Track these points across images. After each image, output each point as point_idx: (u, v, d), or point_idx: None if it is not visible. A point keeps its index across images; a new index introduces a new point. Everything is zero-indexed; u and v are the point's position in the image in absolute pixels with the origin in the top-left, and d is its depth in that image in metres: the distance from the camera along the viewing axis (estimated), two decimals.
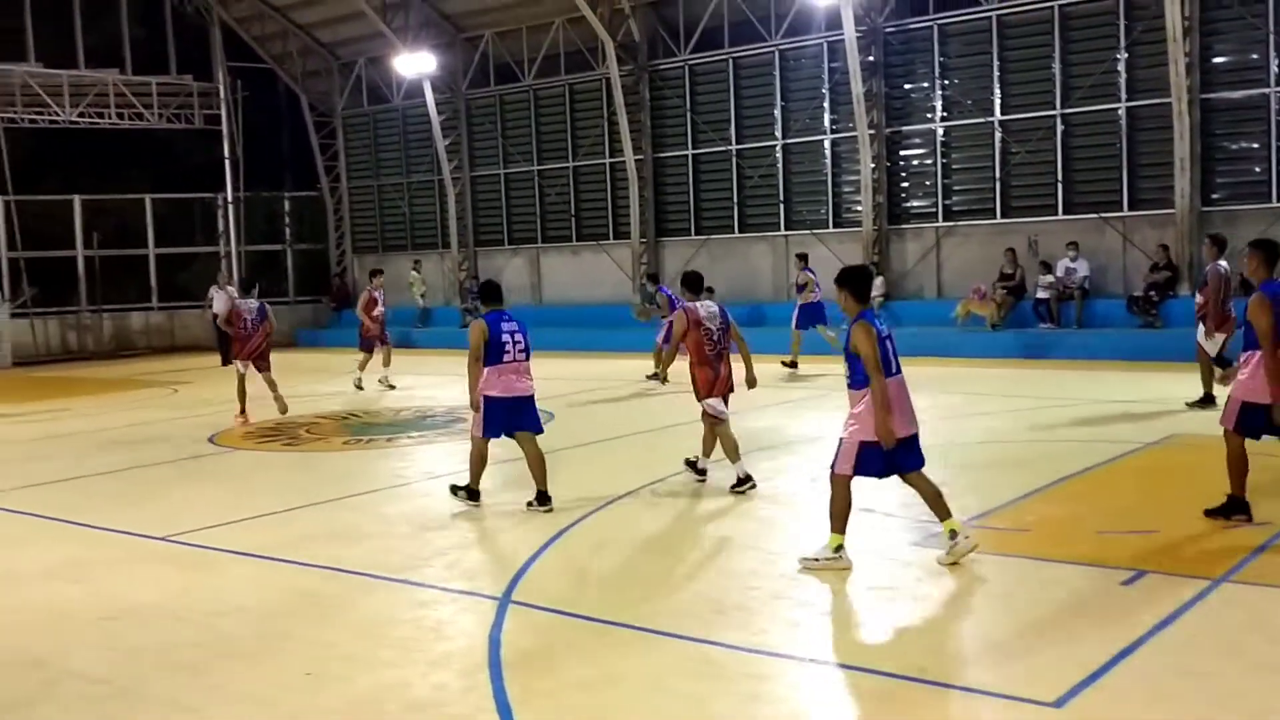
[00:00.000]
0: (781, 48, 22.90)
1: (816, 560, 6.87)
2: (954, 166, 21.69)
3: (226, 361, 21.14)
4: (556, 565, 7.41)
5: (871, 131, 21.47)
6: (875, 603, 6.42)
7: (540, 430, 9.00)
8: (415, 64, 26.12)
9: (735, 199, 24.01)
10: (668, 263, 24.97)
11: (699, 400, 9.50)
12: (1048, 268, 19.95)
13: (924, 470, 6.97)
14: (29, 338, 26.79)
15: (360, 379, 18.14)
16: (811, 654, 5.66)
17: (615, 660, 5.62)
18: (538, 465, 8.88)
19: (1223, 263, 12.21)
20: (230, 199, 29.35)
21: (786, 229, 23.39)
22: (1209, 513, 7.62)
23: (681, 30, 24.05)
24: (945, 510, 6.93)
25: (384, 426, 14.27)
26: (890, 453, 6.70)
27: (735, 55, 23.55)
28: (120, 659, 5.93)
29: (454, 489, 9.23)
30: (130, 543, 8.51)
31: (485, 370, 8.74)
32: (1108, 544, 7.30)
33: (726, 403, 9.43)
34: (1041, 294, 19.98)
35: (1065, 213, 20.35)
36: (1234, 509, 7.55)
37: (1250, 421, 7.44)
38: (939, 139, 21.57)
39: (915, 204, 22.17)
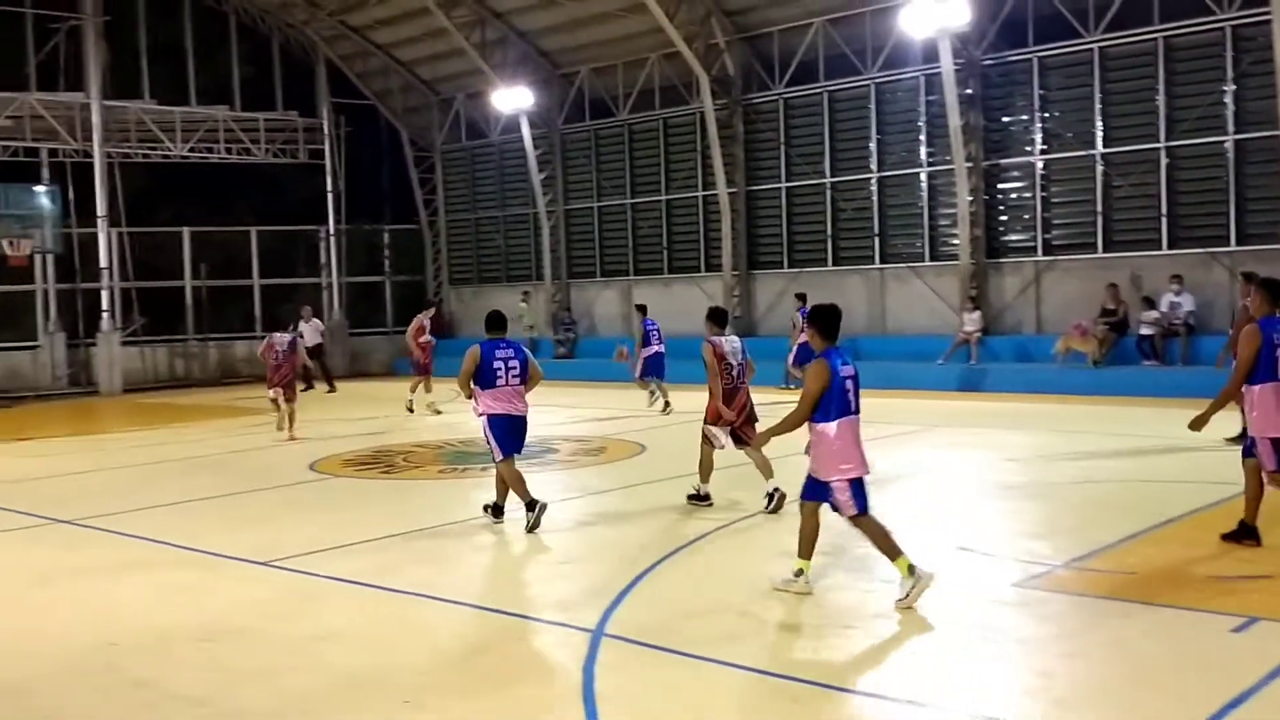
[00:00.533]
0: (877, 81, 22.79)
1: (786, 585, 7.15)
2: (1054, 200, 21.31)
3: (327, 389, 22.84)
4: (650, 598, 7.39)
5: (969, 164, 21.21)
6: (974, 644, 6.28)
7: (520, 451, 9.69)
8: (513, 100, 26.55)
9: (829, 232, 23.89)
10: (759, 295, 24.93)
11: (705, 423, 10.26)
12: (1151, 304, 19.45)
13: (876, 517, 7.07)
14: (139, 364, 27.67)
15: (411, 401, 19.34)
16: (905, 694, 5.55)
17: (708, 696, 5.58)
18: (518, 483, 9.55)
19: None
20: (332, 231, 30.09)
21: (881, 262, 23.19)
22: (1225, 537, 7.99)
23: (776, 64, 24.09)
24: (896, 550, 6.90)
25: (478, 455, 14.38)
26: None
27: (830, 89, 23.50)
28: (221, 681, 6.05)
29: (487, 507, 9.87)
30: (233, 567, 8.71)
31: (480, 393, 9.45)
32: (1217, 589, 7.06)
33: (740, 436, 10.13)
34: (1145, 330, 19.47)
35: (1170, 247, 19.85)
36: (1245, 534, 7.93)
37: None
38: (1038, 172, 21.23)
39: (1014, 238, 21.82)
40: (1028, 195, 21.49)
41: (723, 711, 5.36)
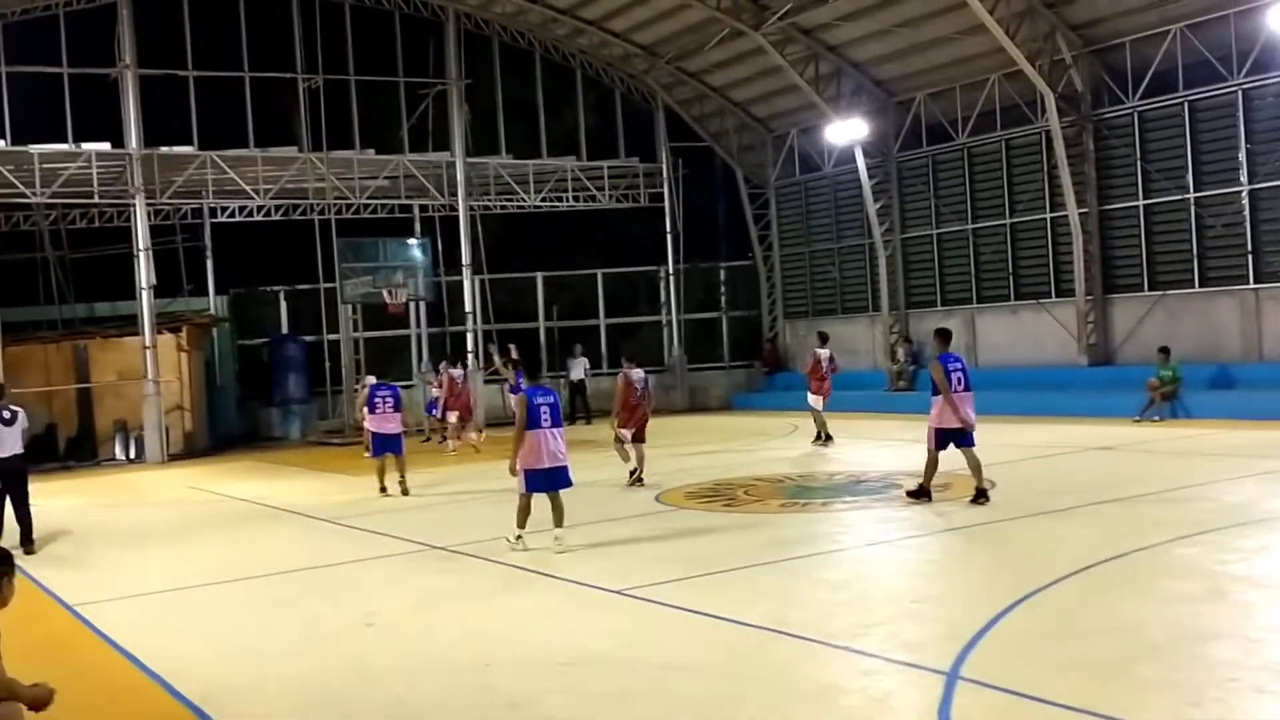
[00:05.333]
0: (1245, 86, 20.95)
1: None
2: None
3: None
4: (1006, 641, 7.06)
5: None
6: None
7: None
8: (847, 131, 26.45)
9: (1194, 251, 22.12)
10: (1117, 320, 23.41)
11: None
12: None
13: None
14: (498, 400, 29.55)
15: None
16: None
17: None
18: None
19: None
20: (671, 271, 31.05)
21: (1256, 282, 21.20)
22: None
23: (1129, 76, 22.67)
24: None
25: (819, 490, 14.36)
26: None
27: (1191, 98, 21.82)
28: (584, 705, 6.32)
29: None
30: (587, 594, 9.09)
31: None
32: None
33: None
34: None
35: None
36: None
37: None
38: None
39: None
40: None
41: None
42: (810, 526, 11.94)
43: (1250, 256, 21.26)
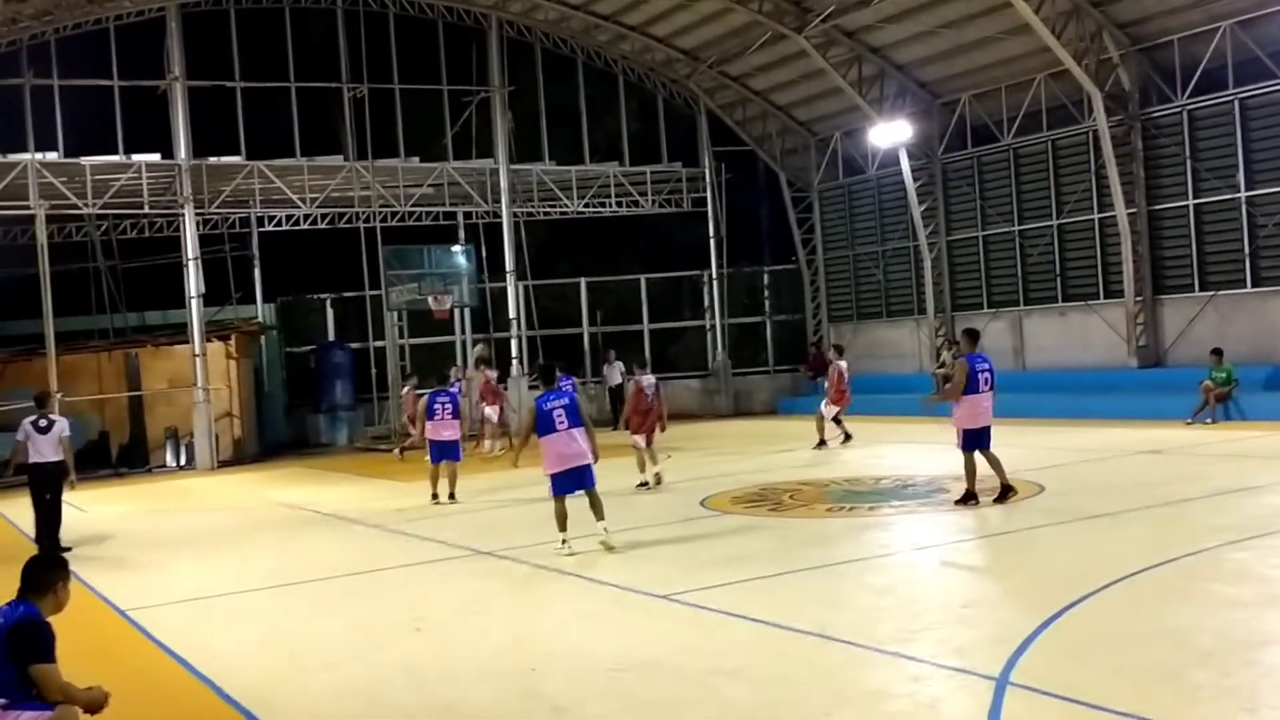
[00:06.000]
0: None
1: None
2: None
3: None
4: (1057, 646, 6.97)
5: None
6: None
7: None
8: (891, 134, 26.29)
9: (1247, 250, 21.76)
10: (1167, 321, 23.08)
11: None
12: None
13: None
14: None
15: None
16: None
17: None
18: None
19: None
20: (715, 275, 30.99)
21: None
22: None
23: (1178, 74, 22.36)
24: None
25: (865, 494, 14.27)
26: None
27: (1242, 96, 21.48)
28: (631, 711, 6.32)
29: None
30: (634, 599, 9.09)
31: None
32: None
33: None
34: None
35: None
36: None
37: None
38: None
39: None
40: None
41: None
42: (857, 531, 11.87)
43: None
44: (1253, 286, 21.71)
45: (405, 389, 23.22)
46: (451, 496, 15.69)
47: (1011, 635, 7.14)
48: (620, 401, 27.72)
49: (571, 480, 10.93)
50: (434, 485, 15.84)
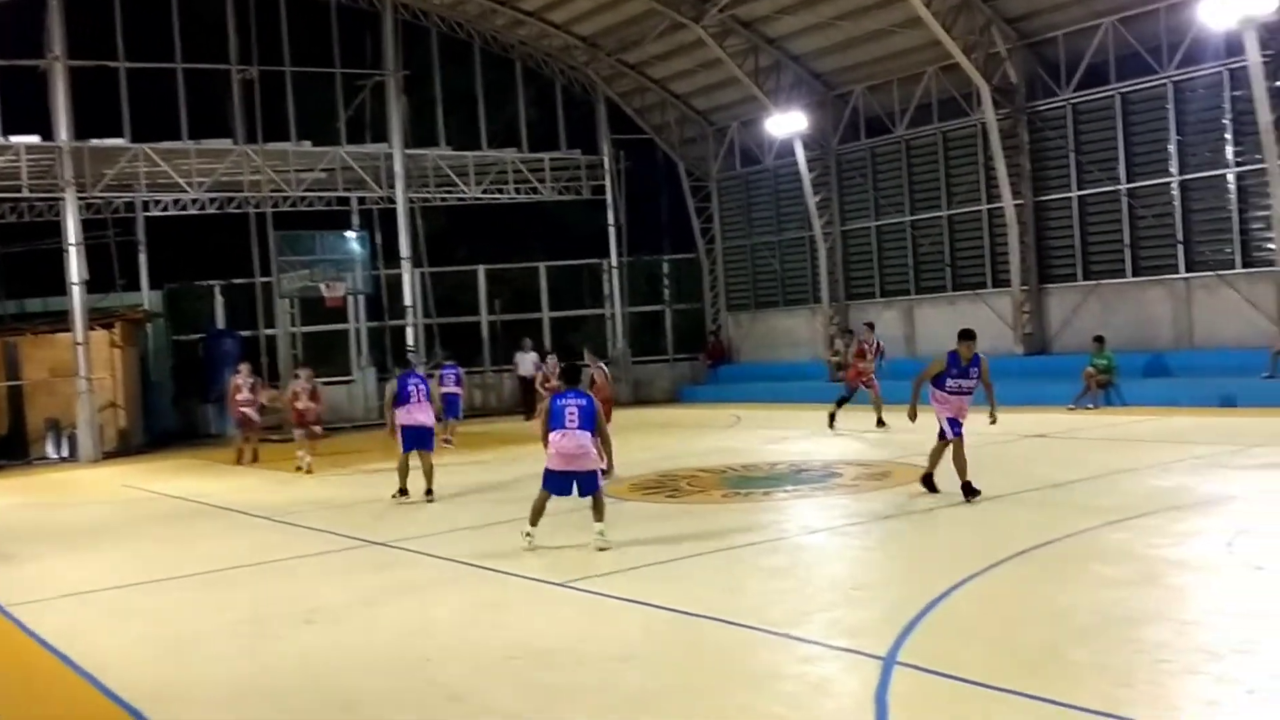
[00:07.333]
0: (1175, 79, 21.37)
1: None
2: None
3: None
4: (943, 626, 7.17)
5: None
6: None
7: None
8: (787, 124, 26.61)
9: (1127, 241, 22.54)
10: (1052, 310, 23.81)
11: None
12: None
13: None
14: None
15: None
16: None
17: None
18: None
19: None
20: (614, 264, 31.04)
21: (1187, 271, 21.65)
22: None
23: (1063, 68, 23.04)
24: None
25: (761, 480, 14.46)
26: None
27: (1123, 90, 22.23)
28: (528, 696, 6.32)
29: None
30: (532, 587, 9.09)
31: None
32: None
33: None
34: None
35: None
36: None
37: None
38: None
39: None
40: None
41: None
42: (752, 516, 12.02)
43: (1181, 246, 21.72)
44: (1133, 276, 22.50)
45: (300, 380, 22.28)
46: (428, 493, 14.13)
47: (900, 616, 7.32)
48: (531, 392, 26.83)
49: (564, 484, 10.42)
50: (402, 479, 14.18)
